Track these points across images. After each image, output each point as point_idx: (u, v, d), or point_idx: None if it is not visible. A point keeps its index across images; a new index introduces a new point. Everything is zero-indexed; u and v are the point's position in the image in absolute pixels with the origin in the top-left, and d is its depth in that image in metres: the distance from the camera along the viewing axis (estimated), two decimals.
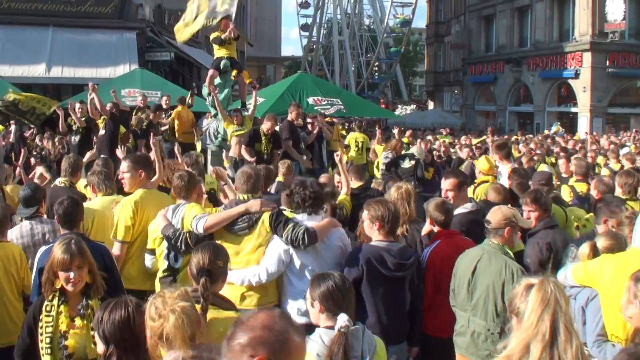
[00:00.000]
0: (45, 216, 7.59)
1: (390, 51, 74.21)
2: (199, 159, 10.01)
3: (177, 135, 18.21)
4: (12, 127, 18.38)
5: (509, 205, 6.82)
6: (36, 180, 10.82)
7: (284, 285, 6.36)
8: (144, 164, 7.58)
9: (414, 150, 15.99)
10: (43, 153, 18.09)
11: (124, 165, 7.70)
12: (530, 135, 31.24)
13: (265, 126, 14.01)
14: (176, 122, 18.42)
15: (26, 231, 7.26)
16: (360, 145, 19.41)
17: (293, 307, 6.23)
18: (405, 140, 19.04)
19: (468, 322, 5.98)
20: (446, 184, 7.73)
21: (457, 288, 6.11)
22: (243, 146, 13.49)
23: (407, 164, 15.32)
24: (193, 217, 6.50)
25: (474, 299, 5.93)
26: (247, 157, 13.03)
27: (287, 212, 6.78)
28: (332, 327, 4.42)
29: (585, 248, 5.76)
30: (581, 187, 11.18)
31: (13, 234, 7.22)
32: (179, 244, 6.46)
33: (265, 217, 6.33)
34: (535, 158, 16.34)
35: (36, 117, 20.55)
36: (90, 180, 7.99)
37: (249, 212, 6.35)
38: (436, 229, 6.68)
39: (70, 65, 32.23)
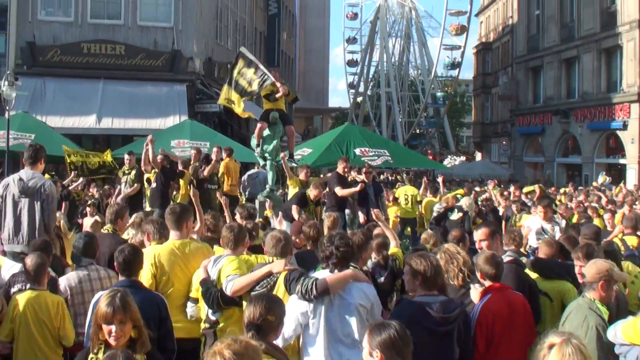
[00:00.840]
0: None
1: (432, 121, 74.30)
2: (254, 212, 9.96)
3: (224, 187, 17.67)
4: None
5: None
6: (89, 229, 11.14)
7: (302, 349, 6.20)
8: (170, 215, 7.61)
9: (463, 202, 15.95)
10: (91, 201, 18.35)
11: None
12: (582, 188, 30.88)
13: (312, 193, 13.82)
14: (224, 175, 17.81)
15: (84, 275, 7.46)
16: (409, 198, 19.39)
17: None
18: (461, 192, 18.91)
19: None
20: (479, 234, 7.64)
21: None
22: (294, 206, 13.34)
23: (455, 216, 15.32)
24: (227, 275, 6.56)
25: None
26: (295, 215, 12.91)
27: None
28: None
29: None
30: (631, 241, 11.01)
31: (70, 279, 7.41)
32: (210, 302, 6.55)
33: (282, 278, 6.31)
34: (575, 213, 16.15)
35: (109, 170, 21.03)
36: (146, 229, 8.14)
37: (272, 273, 6.36)
38: (487, 283, 6.49)
39: (120, 116, 32.87)
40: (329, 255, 6.14)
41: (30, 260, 7.01)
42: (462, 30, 69.63)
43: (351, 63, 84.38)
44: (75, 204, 18.09)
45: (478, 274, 6.55)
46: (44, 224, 8.67)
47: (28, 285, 7.18)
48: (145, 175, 16.16)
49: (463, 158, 70.53)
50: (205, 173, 16.21)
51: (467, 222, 15.52)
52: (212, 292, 6.55)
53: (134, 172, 16.56)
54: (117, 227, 9.37)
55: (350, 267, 6.26)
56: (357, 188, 14.83)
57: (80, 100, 32.73)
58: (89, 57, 34.69)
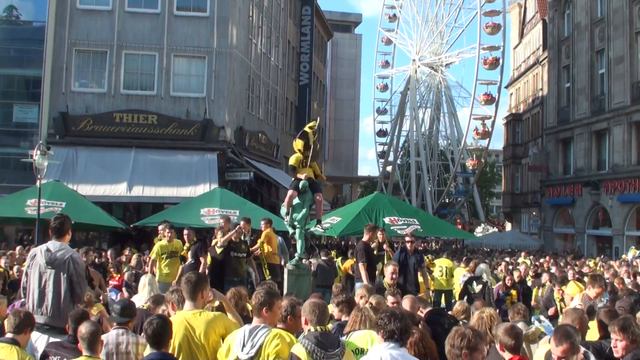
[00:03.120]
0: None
1: (462, 190, 73.95)
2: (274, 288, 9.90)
3: (265, 257, 17.78)
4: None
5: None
6: None
7: None
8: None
9: (480, 271, 15.83)
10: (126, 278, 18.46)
11: None
12: (613, 263, 30.48)
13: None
14: (265, 245, 17.82)
15: (122, 337, 7.49)
16: (444, 270, 19.35)
17: None
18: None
19: None
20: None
21: None
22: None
23: (477, 287, 15.18)
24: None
25: None
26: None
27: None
28: None
29: None
30: None
31: (109, 337, 7.48)
32: None
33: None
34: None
35: None
36: (170, 298, 8.17)
37: None
38: (506, 355, 6.31)
39: (151, 184, 33.20)
40: (402, 333, 6.12)
41: (84, 328, 6.83)
42: (492, 101, 68.99)
43: (381, 134, 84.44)
44: (106, 272, 18.36)
45: (497, 345, 6.42)
46: (72, 295, 8.61)
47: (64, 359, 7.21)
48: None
49: (496, 229, 70.00)
50: (221, 243, 15.88)
51: (488, 294, 15.37)
52: None
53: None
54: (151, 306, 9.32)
55: None
56: None
57: (111, 168, 33.25)
58: (121, 126, 35.36)
